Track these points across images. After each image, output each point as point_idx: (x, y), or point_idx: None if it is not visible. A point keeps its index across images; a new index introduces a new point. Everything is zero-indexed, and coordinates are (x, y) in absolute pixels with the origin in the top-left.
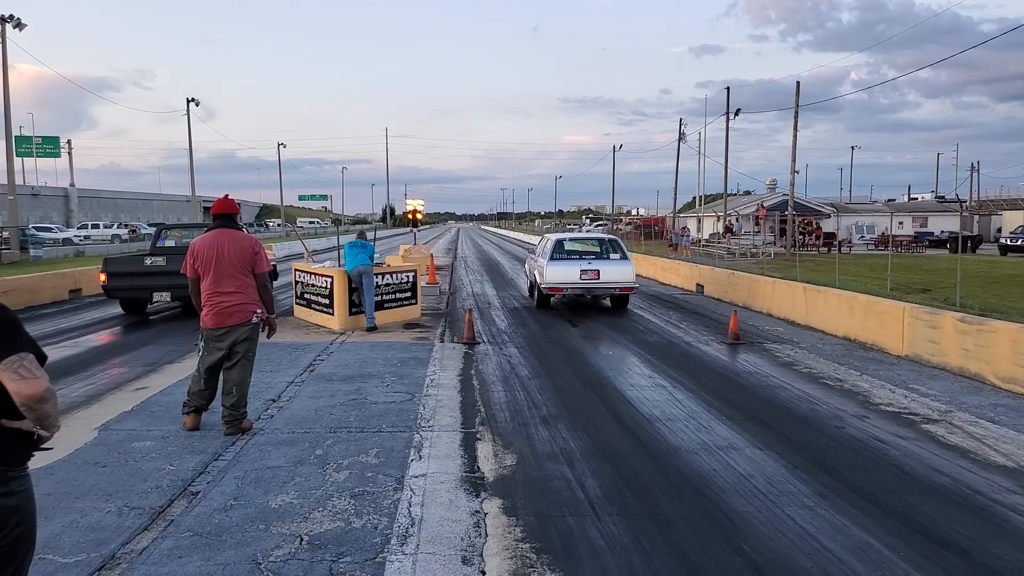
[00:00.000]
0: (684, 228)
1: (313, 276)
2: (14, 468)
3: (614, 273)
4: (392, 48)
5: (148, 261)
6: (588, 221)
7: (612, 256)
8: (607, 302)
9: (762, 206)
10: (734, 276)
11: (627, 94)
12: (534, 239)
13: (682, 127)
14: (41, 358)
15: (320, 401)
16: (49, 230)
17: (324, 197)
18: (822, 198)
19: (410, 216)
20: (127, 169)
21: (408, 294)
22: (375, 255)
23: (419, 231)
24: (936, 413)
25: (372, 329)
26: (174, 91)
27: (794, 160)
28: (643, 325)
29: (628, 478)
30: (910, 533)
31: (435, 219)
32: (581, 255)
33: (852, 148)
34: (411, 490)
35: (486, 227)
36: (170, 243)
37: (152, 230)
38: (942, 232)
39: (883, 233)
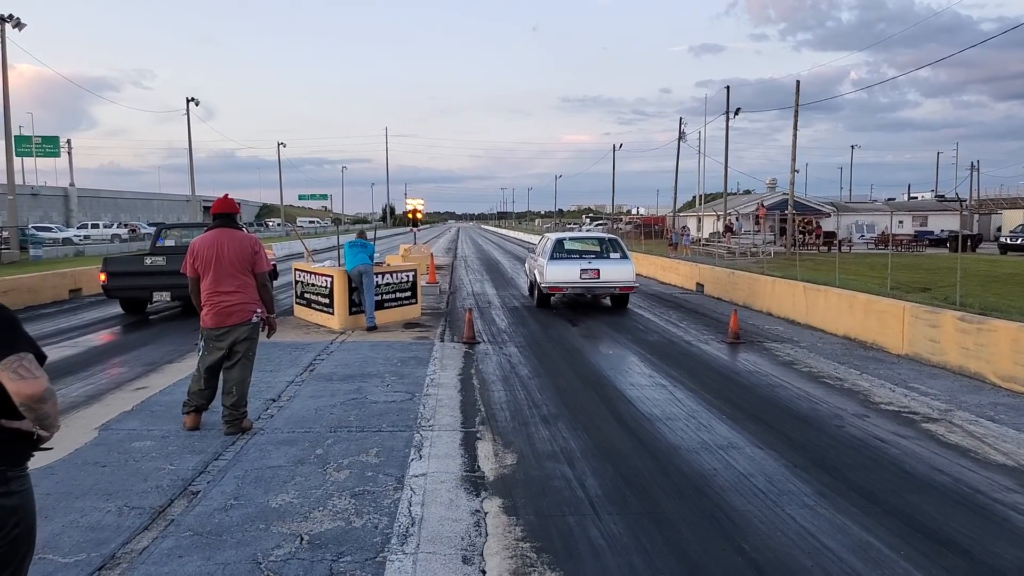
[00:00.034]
0: (684, 227)
1: (313, 276)
2: (14, 468)
3: (614, 272)
4: (392, 48)
5: (148, 261)
6: (588, 220)
7: (612, 255)
8: (607, 301)
9: (762, 205)
10: (734, 275)
11: (627, 93)
12: (534, 238)
13: (682, 126)
14: (40, 358)
15: (320, 401)
16: (49, 230)
17: (324, 196)
18: (822, 197)
19: (410, 216)
20: (127, 169)
21: (408, 293)
22: (375, 255)
23: (419, 231)
24: (936, 412)
25: (372, 328)
26: (174, 91)
27: (794, 159)
28: (643, 324)
29: (628, 477)
30: (910, 532)
31: (435, 219)
32: (581, 254)
33: (852, 147)
34: (411, 489)
35: (486, 227)
36: (170, 243)
37: (152, 230)
38: (942, 231)
39: (883, 232)
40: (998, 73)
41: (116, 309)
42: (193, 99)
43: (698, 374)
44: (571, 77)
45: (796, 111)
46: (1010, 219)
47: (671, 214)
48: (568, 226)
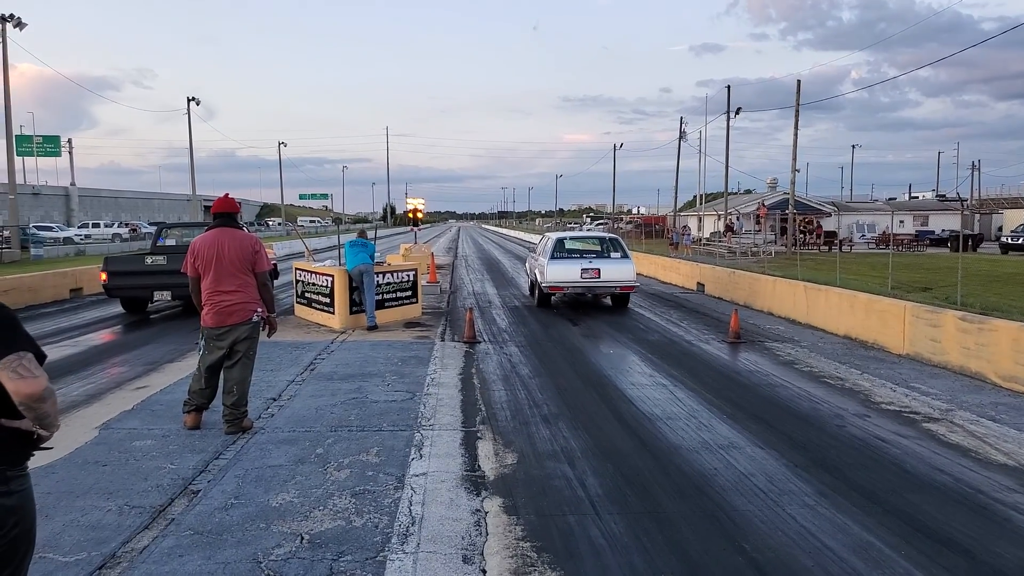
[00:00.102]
0: (685, 227)
1: (314, 275)
2: (13, 468)
3: (615, 272)
4: (392, 48)
5: (149, 260)
6: (589, 220)
7: (613, 255)
8: (608, 301)
9: (763, 205)
10: (735, 275)
11: (627, 93)
12: (535, 238)
13: (683, 126)
14: (40, 357)
15: (321, 400)
16: (50, 229)
17: (325, 196)
18: (823, 197)
19: (411, 215)
20: (127, 168)
21: (409, 293)
22: (376, 254)
23: (420, 230)
24: (937, 412)
25: (373, 328)
26: (174, 90)
27: (795, 159)
28: (644, 324)
29: (629, 477)
30: (911, 532)
31: (436, 218)
32: (582, 254)
33: (853, 147)
34: (412, 489)
35: (487, 226)
36: (171, 242)
37: (153, 229)
38: (943, 231)
39: (884, 232)
40: (999, 73)
41: (117, 308)
42: (194, 98)
43: (699, 374)
44: (571, 77)
45: (797, 110)
46: (1011, 219)
47: (672, 213)
48: (569, 225)
